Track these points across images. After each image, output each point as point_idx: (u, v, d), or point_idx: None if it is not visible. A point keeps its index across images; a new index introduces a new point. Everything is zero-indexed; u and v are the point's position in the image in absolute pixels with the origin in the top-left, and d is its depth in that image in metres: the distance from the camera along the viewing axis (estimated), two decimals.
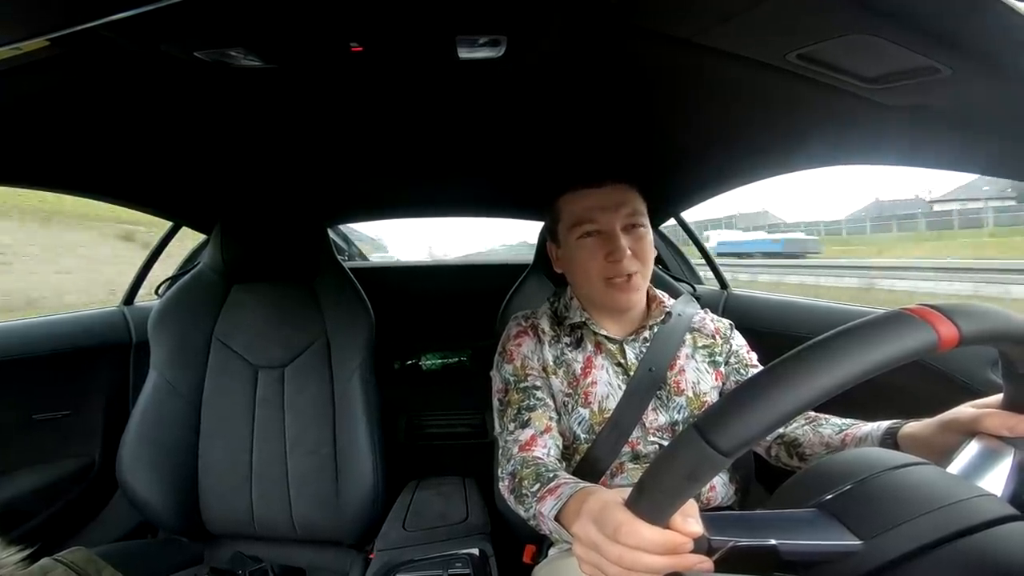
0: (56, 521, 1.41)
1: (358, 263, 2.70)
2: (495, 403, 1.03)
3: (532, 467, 0.84)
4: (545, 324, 1.06)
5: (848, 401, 0.54)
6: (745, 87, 0.86)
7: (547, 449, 0.91)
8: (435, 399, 2.04)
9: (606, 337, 1.02)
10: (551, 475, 0.79)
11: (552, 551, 1.04)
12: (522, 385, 0.99)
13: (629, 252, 0.94)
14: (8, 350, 1.37)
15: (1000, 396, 0.57)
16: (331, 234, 1.82)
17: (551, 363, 1.02)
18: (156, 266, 1.77)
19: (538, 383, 1.00)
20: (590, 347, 1.02)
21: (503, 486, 0.90)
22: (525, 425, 0.94)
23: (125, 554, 1.23)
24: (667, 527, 0.44)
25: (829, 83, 0.73)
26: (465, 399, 2.00)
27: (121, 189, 1.43)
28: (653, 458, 0.95)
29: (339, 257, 1.55)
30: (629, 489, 0.48)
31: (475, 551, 1.14)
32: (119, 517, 1.54)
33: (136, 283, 1.74)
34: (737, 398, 0.40)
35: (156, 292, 1.66)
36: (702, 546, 0.45)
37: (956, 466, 0.53)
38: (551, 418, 0.97)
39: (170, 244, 1.76)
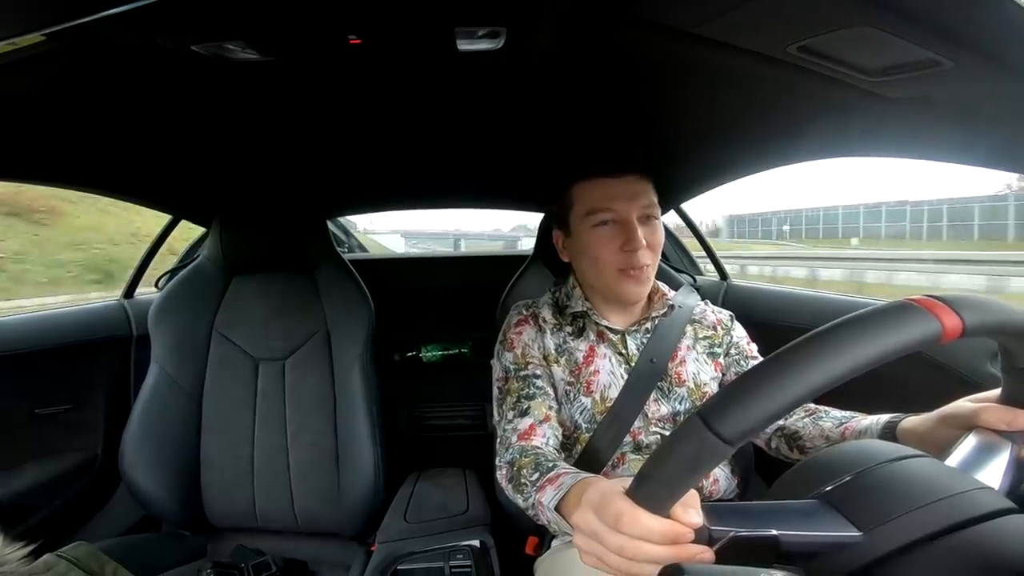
0: (59, 516, 1.41)
1: (358, 255, 2.70)
2: (495, 391, 1.03)
3: (531, 456, 0.84)
4: (547, 313, 1.06)
5: (847, 394, 0.54)
6: (746, 79, 0.85)
7: (546, 439, 0.92)
8: (435, 391, 2.04)
9: (608, 327, 1.02)
10: (551, 464, 0.79)
11: (555, 543, 1.04)
12: (522, 374, 1.00)
13: (644, 243, 0.94)
14: (9, 344, 1.37)
15: (999, 391, 0.57)
16: (331, 226, 1.82)
17: (553, 351, 1.02)
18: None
19: (538, 372, 1.00)
20: (592, 336, 1.03)
21: (501, 475, 0.90)
22: (524, 414, 0.94)
23: (128, 548, 1.24)
24: (668, 517, 0.44)
25: (830, 75, 0.72)
26: (466, 391, 2.00)
27: (119, 183, 1.42)
28: (655, 447, 0.96)
29: (339, 249, 1.55)
30: (630, 479, 0.47)
31: (476, 543, 1.14)
32: (122, 511, 1.55)
33: (136, 276, 1.74)
34: (742, 386, 0.40)
35: (156, 285, 1.66)
36: (703, 536, 0.44)
37: (954, 460, 0.53)
38: (550, 407, 0.97)
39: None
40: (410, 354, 2.04)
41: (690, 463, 0.41)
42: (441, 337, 2.05)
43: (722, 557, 0.44)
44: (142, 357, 1.50)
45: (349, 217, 3.04)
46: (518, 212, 2.34)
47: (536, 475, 0.78)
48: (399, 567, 1.08)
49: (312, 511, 1.36)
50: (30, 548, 0.80)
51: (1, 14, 0.55)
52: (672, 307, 1.05)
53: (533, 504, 0.76)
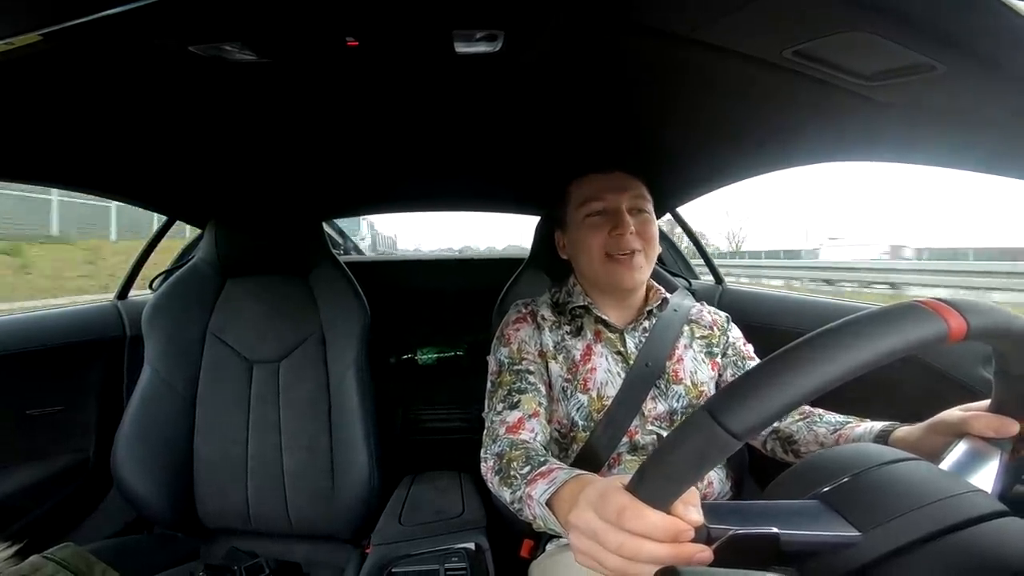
0: (50, 517, 1.40)
1: (354, 257, 2.70)
2: (488, 385, 1.04)
3: (522, 449, 0.83)
4: (546, 311, 1.07)
5: (844, 398, 0.54)
6: (742, 83, 0.86)
7: (534, 433, 0.92)
8: (431, 393, 2.04)
9: (606, 325, 1.03)
10: (542, 459, 0.79)
11: (550, 546, 1.04)
12: (515, 368, 1.00)
13: (633, 229, 0.98)
14: (1, 345, 1.36)
15: (988, 401, 0.59)
16: (327, 228, 1.82)
17: (551, 348, 1.03)
18: None
19: (531, 368, 1.01)
20: (590, 335, 1.03)
21: (486, 467, 0.89)
22: (514, 407, 0.95)
23: (120, 550, 1.23)
24: (669, 514, 0.43)
25: (825, 80, 0.73)
26: (461, 393, 1.99)
27: (115, 183, 1.42)
28: (656, 445, 0.96)
29: (335, 251, 1.55)
30: (627, 476, 0.47)
31: (471, 545, 1.14)
32: (114, 513, 1.53)
33: (130, 277, 1.73)
34: (751, 380, 0.40)
35: (150, 286, 1.65)
36: (701, 535, 0.44)
37: (945, 465, 0.54)
38: (540, 403, 0.97)
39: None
40: (405, 357, 2.03)
41: (696, 457, 0.41)
42: (436, 340, 2.05)
43: (721, 556, 0.44)
44: (135, 358, 1.49)
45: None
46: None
47: (527, 468, 0.77)
48: (394, 570, 1.07)
49: (306, 513, 1.35)
50: (16, 548, 0.79)
51: None
52: (666, 300, 1.07)
53: (520, 498, 0.75)
